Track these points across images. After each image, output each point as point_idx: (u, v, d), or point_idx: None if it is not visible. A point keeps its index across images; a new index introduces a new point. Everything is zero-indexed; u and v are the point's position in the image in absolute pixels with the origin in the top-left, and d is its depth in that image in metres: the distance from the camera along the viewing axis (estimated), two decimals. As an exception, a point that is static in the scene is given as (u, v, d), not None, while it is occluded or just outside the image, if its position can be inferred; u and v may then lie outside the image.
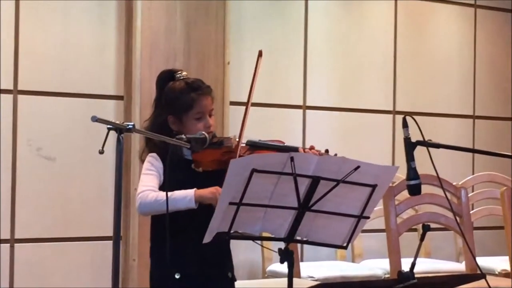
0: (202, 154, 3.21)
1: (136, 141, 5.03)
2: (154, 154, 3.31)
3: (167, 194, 3.07)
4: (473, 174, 6.43)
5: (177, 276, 3.24)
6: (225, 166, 2.75)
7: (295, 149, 3.17)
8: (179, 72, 3.40)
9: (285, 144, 3.31)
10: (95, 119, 2.76)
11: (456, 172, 6.30)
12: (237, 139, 3.26)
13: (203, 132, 3.22)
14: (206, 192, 3.12)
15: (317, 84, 6.12)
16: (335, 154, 3.04)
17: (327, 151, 3.24)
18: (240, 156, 3.15)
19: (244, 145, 3.26)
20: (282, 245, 2.85)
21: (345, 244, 2.93)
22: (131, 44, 5.21)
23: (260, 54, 3.29)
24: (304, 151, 3.18)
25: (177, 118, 3.32)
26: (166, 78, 3.40)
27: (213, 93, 3.41)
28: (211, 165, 3.20)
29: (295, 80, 6.03)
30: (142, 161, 3.36)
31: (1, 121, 4.93)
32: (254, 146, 3.26)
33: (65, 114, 5.11)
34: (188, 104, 3.31)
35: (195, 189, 3.13)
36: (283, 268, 2.88)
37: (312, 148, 3.24)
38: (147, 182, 3.25)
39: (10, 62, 4.97)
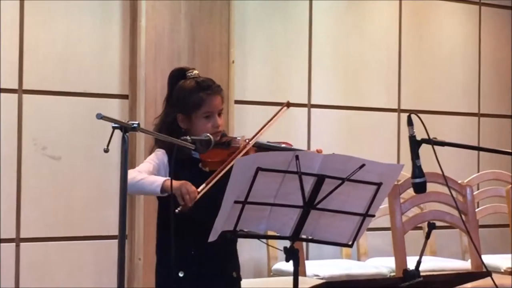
0: (209, 154, 3.21)
1: (141, 140, 5.03)
2: (163, 150, 3.32)
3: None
4: (478, 172, 6.42)
5: (181, 275, 3.24)
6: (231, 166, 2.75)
7: None
8: (190, 70, 3.40)
9: (293, 147, 3.31)
10: (100, 117, 2.75)
11: (461, 170, 6.29)
12: (246, 140, 3.26)
13: (208, 134, 3.22)
14: (175, 182, 3.06)
15: (322, 83, 6.11)
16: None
17: None
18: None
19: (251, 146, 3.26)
20: (287, 243, 2.84)
21: (350, 243, 2.92)
22: (136, 43, 5.22)
23: (288, 105, 3.32)
24: None
25: (186, 116, 3.33)
26: (177, 76, 3.40)
27: (223, 93, 3.41)
28: (218, 165, 3.19)
29: (300, 78, 6.03)
30: None
31: (6, 121, 4.93)
32: (262, 148, 3.26)
33: (70, 113, 5.11)
34: (197, 103, 3.31)
35: (168, 178, 3.10)
36: (289, 266, 2.88)
37: (319, 151, 3.23)
38: (141, 167, 3.25)
39: (15, 62, 4.97)
